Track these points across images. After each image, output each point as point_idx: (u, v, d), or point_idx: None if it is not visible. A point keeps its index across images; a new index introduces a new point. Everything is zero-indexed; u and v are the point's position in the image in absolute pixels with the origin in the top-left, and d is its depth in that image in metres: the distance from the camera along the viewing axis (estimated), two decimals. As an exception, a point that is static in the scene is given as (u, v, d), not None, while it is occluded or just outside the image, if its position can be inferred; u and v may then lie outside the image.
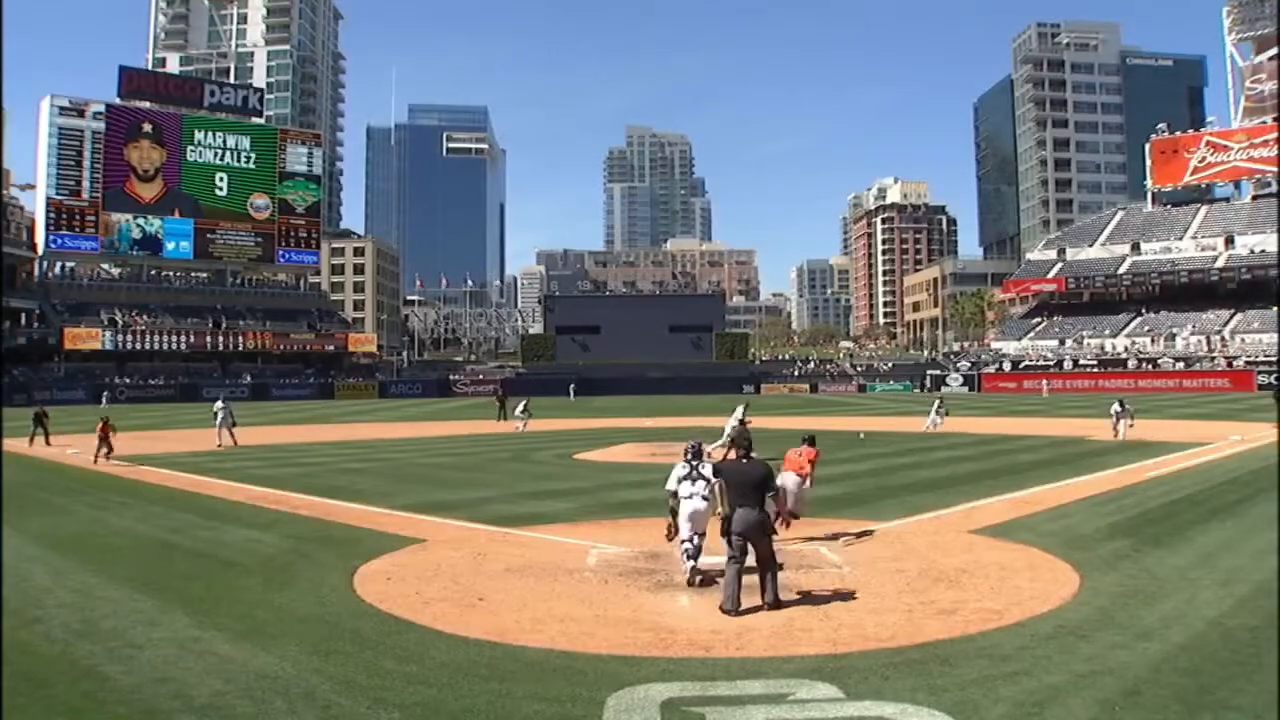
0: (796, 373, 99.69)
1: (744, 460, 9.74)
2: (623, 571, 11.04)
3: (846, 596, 9.77)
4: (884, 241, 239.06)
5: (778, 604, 9.14)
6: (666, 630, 8.53)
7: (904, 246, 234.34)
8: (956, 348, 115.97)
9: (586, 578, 10.78)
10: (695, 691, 6.91)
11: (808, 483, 13.55)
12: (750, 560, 9.28)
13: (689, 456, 10.52)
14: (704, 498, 10.23)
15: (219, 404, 32.76)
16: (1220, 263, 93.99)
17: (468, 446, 31.61)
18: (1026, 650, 7.78)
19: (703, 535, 10.36)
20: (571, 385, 76.50)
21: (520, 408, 40.86)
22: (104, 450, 25.24)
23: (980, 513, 15.25)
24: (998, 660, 7.53)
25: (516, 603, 9.58)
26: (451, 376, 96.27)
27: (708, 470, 10.34)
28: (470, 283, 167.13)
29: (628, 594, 9.99)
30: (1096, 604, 9.28)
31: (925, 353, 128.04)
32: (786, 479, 13.17)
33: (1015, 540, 12.72)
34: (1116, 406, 30.99)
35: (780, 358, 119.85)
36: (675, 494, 10.36)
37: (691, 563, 10.30)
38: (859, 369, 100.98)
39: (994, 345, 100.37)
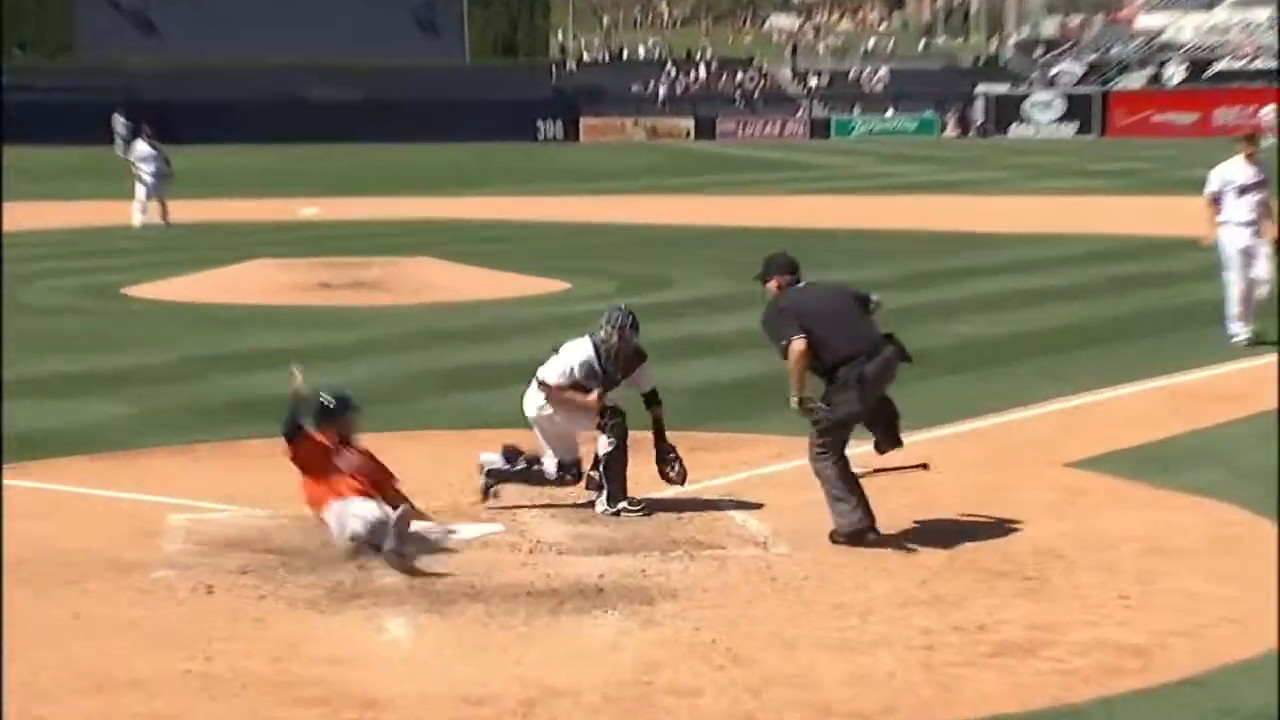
0: (660, 90, 73.89)
1: (797, 284, 8.50)
2: (248, 566, 7.92)
3: (777, 613, 6.95)
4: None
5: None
6: (361, 703, 5.67)
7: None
8: (1048, 26, 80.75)
9: (164, 580, 7.62)
10: None
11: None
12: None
13: (611, 328, 8.83)
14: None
15: None
16: None
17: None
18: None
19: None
20: (118, 118, 50.43)
21: (141, 162, 28.90)
22: None
23: (1087, 418, 11.57)
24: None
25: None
26: None
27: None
28: None
29: (263, 615, 7.11)
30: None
31: (968, 40, 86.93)
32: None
33: (1173, 485, 9.36)
34: None
35: (625, 56, 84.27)
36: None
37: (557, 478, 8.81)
38: (811, 82, 71.74)
39: (1142, 19, 70.08)
